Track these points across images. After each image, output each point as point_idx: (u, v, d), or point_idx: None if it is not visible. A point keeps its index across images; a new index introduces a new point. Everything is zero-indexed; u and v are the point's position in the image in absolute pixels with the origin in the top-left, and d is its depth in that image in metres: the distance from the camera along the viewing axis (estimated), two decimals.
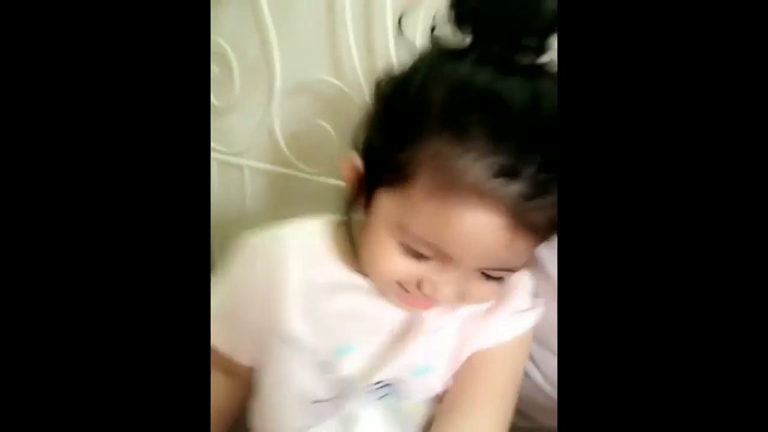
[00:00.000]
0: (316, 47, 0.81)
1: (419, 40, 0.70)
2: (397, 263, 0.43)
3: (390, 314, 0.51)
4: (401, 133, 0.41)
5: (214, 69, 0.90)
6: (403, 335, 0.51)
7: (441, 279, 0.43)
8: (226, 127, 0.93)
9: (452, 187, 0.37)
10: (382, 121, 0.45)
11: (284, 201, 0.90)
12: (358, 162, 0.47)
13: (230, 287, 0.54)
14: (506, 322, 0.51)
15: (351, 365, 0.50)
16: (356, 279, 0.51)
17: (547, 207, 0.37)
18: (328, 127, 0.82)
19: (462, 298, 0.45)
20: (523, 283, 0.53)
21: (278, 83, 0.84)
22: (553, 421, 0.51)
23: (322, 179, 0.84)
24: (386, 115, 0.44)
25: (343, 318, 0.51)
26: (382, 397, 0.52)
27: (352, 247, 0.51)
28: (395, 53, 0.73)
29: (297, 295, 0.51)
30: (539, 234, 0.40)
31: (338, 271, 0.52)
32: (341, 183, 0.81)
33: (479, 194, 0.37)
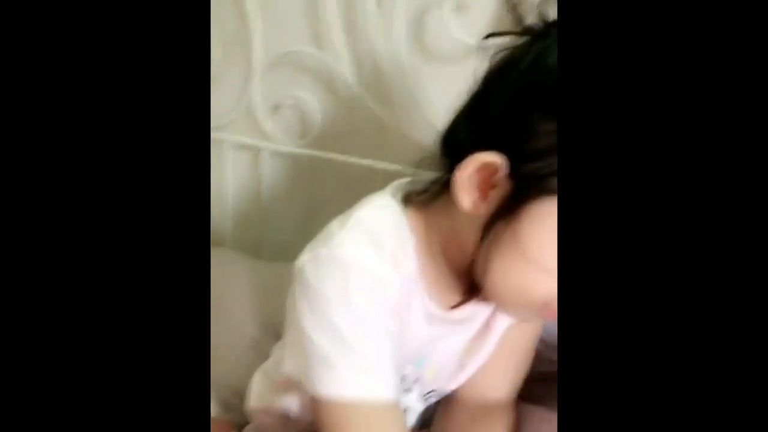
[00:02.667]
0: (297, 19, 0.81)
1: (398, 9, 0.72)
2: None
3: (465, 336, 0.54)
4: None
5: None
6: (471, 348, 0.54)
7: None
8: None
9: None
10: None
11: (266, 175, 0.91)
12: (500, 164, 0.40)
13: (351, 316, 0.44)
14: None
15: (421, 371, 0.53)
16: (439, 312, 0.50)
17: None
18: (311, 99, 0.82)
19: None
20: None
21: (258, 56, 0.84)
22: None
23: (306, 152, 0.85)
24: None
25: (425, 341, 0.51)
26: (431, 396, 0.56)
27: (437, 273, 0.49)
28: (376, 23, 0.74)
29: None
30: None
31: (428, 303, 0.49)
32: (327, 155, 0.83)
33: None
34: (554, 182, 0.38)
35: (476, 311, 0.52)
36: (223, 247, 0.97)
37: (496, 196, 0.41)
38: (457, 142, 0.44)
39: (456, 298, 0.50)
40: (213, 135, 0.92)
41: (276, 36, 0.83)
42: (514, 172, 0.40)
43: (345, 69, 0.78)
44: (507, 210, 0.41)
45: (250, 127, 0.90)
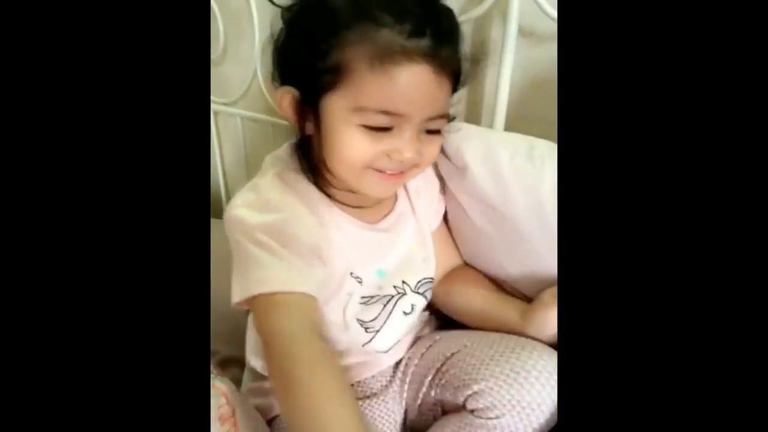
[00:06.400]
0: None
1: None
2: (363, 145, 0.51)
3: (406, 235, 0.64)
4: (327, 40, 0.49)
5: None
6: (399, 238, 0.63)
7: (402, 143, 0.52)
8: (219, 77, 0.96)
9: (384, 55, 0.48)
10: (304, 43, 0.51)
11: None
12: (292, 90, 0.54)
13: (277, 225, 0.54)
14: (437, 206, 0.68)
15: (390, 279, 0.62)
16: (367, 225, 0.61)
17: (452, 56, 0.51)
18: None
19: (421, 157, 0.54)
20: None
21: (257, 32, 0.85)
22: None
23: None
24: (305, 36, 0.51)
25: (370, 248, 0.61)
26: (424, 292, 0.66)
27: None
28: None
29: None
30: (453, 79, 0.53)
31: (332, 209, 0.59)
32: None
33: (404, 53, 0.48)
34: (321, 83, 0.50)
35: (398, 219, 0.63)
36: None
37: (311, 114, 0.53)
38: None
39: (376, 208, 0.62)
40: (228, 110, 0.96)
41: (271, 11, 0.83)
42: (304, 93, 0.53)
43: None
44: (314, 121, 0.53)
45: (261, 101, 0.92)
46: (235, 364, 0.79)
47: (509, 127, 0.67)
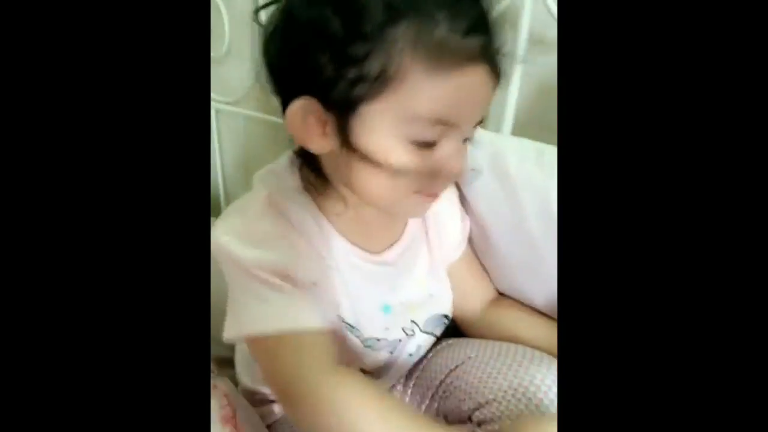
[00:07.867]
0: None
1: None
2: (413, 163, 0.45)
3: (417, 272, 0.58)
4: (364, 43, 0.42)
5: None
6: (406, 272, 0.58)
7: (453, 156, 0.46)
8: (222, 76, 0.95)
9: (442, 56, 0.42)
10: (324, 47, 0.43)
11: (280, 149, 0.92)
12: (312, 105, 0.45)
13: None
14: (459, 234, 0.62)
15: (398, 318, 0.57)
16: (371, 257, 0.55)
17: (500, 55, 0.46)
18: None
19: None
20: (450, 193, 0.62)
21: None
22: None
23: None
24: (326, 38, 0.43)
25: (375, 291, 0.56)
26: (434, 330, 0.61)
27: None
28: None
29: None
30: (498, 79, 0.47)
31: (331, 239, 0.53)
32: None
33: (463, 53, 0.43)
34: (357, 92, 0.43)
35: (406, 249, 0.57)
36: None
37: (332, 129, 0.45)
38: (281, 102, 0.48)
39: (382, 234, 0.56)
40: (231, 109, 0.95)
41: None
42: (327, 104, 0.44)
43: None
44: (342, 136, 0.45)
45: (264, 101, 0.91)
46: (230, 365, 0.78)
47: (516, 134, 0.67)
